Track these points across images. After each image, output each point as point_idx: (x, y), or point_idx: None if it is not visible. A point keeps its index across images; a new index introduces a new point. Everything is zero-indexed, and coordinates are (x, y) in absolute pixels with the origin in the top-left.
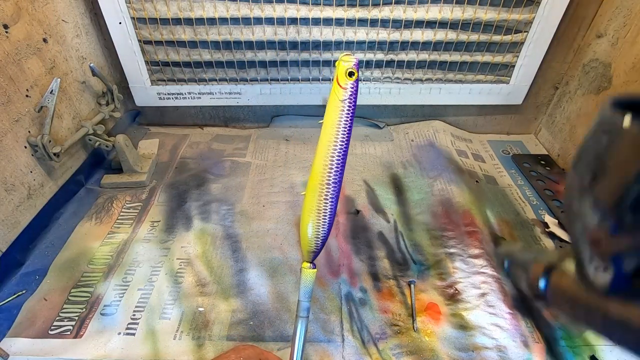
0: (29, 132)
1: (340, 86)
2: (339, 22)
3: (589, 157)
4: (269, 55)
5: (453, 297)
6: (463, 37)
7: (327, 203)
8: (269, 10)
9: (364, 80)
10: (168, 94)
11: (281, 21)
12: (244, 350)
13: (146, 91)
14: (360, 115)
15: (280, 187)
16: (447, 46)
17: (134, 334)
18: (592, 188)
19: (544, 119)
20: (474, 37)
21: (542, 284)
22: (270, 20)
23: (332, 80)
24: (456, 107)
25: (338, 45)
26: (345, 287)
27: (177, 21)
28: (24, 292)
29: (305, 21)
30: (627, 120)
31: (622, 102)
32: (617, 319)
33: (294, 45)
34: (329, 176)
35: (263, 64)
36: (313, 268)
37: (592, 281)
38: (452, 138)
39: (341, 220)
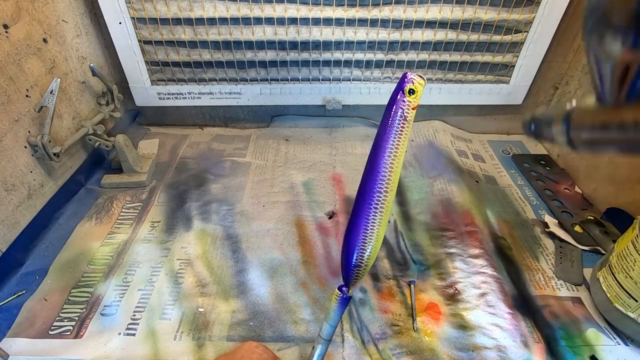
0: (29, 132)
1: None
2: (339, 22)
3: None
4: (269, 55)
5: (453, 297)
6: (463, 37)
7: (377, 227)
8: (269, 10)
9: (364, 80)
10: (168, 94)
11: (281, 21)
12: (253, 354)
13: (146, 91)
14: (360, 115)
15: (280, 187)
16: (447, 46)
17: (134, 335)
18: (608, 17)
19: None
20: (474, 37)
21: (564, 124)
22: (270, 20)
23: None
24: (456, 107)
25: (338, 45)
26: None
27: (177, 21)
28: (24, 292)
29: (305, 21)
30: None
31: None
32: (632, 121)
33: (294, 45)
34: (382, 199)
35: (263, 64)
36: (344, 292)
37: (612, 97)
38: (452, 138)
39: (341, 220)
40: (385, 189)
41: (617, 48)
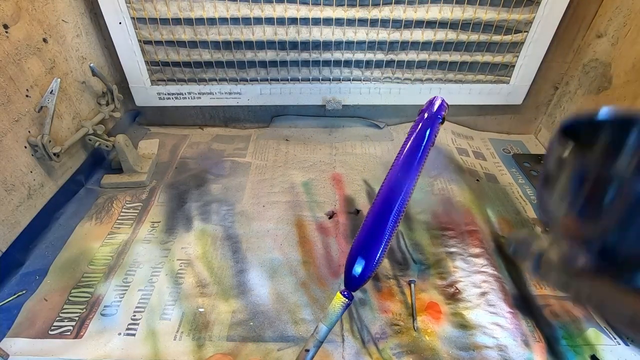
0: (29, 132)
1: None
2: (339, 22)
3: (550, 168)
4: (269, 55)
5: (453, 296)
6: (463, 37)
7: (392, 234)
8: (269, 10)
9: (364, 80)
10: (168, 94)
11: (281, 21)
12: None
13: (146, 91)
14: (360, 115)
15: (280, 187)
16: (447, 46)
17: (134, 335)
18: (558, 191)
19: (544, 119)
20: (474, 37)
21: (534, 265)
22: (270, 20)
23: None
24: (456, 107)
25: (338, 45)
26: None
27: (177, 21)
28: (24, 292)
29: (305, 21)
30: (566, 151)
31: (567, 126)
32: (587, 292)
33: (294, 45)
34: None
35: (263, 64)
36: (350, 298)
37: (566, 263)
38: (452, 136)
39: (341, 220)
40: (406, 204)
41: (562, 212)
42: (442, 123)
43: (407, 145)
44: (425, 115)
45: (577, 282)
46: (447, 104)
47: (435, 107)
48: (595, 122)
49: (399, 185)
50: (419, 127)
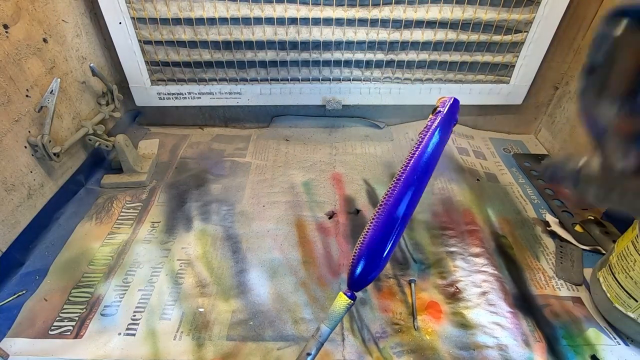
0: (29, 132)
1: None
2: (339, 22)
3: (597, 60)
4: (269, 55)
5: (454, 296)
6: (463, 37)
7: (397, 236)
8: (269, 10)
9: (364, 80)
10: (168, 94)
11: (281, 21)
12: None
13: (146, 91)
14: (360, 115)
15: (280, 188)
16: (447, 46)
17: (134, 335)
18: (607, 88)
19: (544, 119)
20: (474, 37)
21: (574, 180)
22: (270, 20)
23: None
24: None
25: (338, 45)
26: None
27: (177, 21)
28: (24, 292)
29: (305, 21)
30: (620, 29)
31: (618, 11)
32: (633, 192)
33: (294, 45)
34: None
35: (263, 64)
36: (353, 298)
37: (614, 167)
38: (453, 135)
39: (341, 220)
40: (416, 206)
41: (613, 113)
42: (454, 124)
43: (423, 146)
44: (441, 117)
45: (620, 188)
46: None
47: (449, 108)
48: None
49: (414, 187)
50: (436, 130)
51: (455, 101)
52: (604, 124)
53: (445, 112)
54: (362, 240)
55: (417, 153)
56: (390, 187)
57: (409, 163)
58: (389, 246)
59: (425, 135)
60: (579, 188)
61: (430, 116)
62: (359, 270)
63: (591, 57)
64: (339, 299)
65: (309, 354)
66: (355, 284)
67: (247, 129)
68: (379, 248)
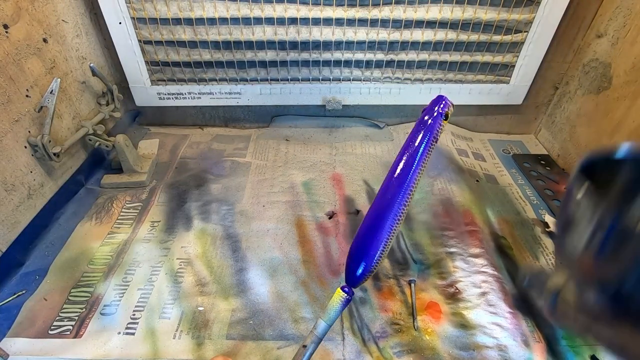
0: (29, 132)
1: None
2: (339, 22)
3: (568, 209)
4: (269, 55)
5: (454, 296)
6: (463, 37)
7: (395, 235)
8: (269, 10)
9: (364, 80)
10: (168, 94)
11: (281, 21)
12: None
13: (146, 91)
14: (360, 115)
15: (280, 187)
16: (447, 46)
17: (133, 334)
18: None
19: (544, 119)
20: (474, 37)
21: (551, 304)
22: (270, 20)
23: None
24: (456, 107)
25: (338, 45)
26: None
27: (177, 21)
28: (24, 292)
29: (305, 21)
30: (581, 192)
31: (585, 165)
32: (607, 335)
33: (294, 45)
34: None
35: (263, 64)
36: (350, 294)
37: (582, 305)
38: (452, 137)
39: (341, 220)
40: (409, 202)
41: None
42: (446, 120)
43: (409, 141)
44: (427, 112)
45: (596, 325)
46: (451, 102)
47: (438, 104)
48: (613, 160)
49: (399, 182)
50: (421, 124)
51: (440, 97)
52: (572, 258)
53: (432, 108)
54: (356, 235)
55: (405, 148)
56: (382, 184)
57: (398, 159)
58: (382, 242)
59: (413, 131)
60: (557, 314)
61: (420, 115)
62: (350, 266)
63: (562, 207)
64: (336, 294)
65: (304, 346)
66: (349, 280)
67: (247, 129)
68: (371, 244)
